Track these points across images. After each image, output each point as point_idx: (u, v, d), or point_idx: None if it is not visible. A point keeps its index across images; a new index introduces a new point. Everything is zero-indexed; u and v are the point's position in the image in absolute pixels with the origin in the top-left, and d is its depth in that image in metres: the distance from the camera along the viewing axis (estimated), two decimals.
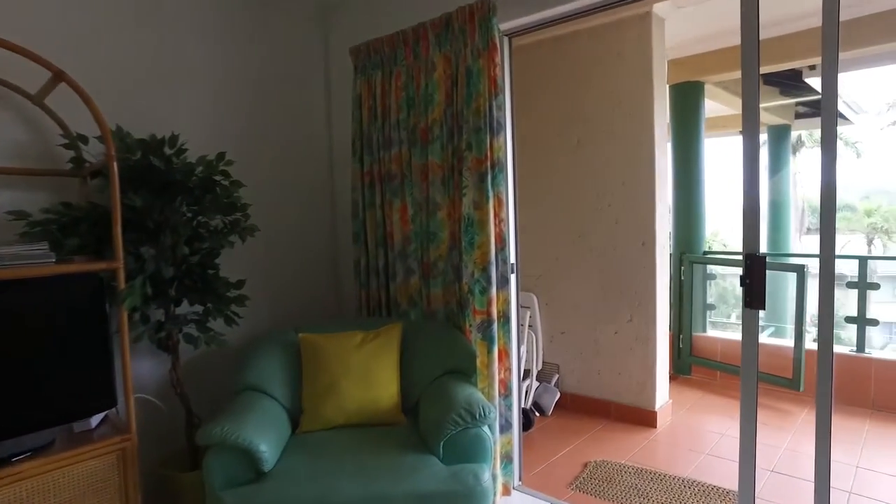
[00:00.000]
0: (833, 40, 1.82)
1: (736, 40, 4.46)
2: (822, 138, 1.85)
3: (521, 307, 4.30)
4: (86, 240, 2.27)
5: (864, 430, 3.60)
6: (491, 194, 2.47)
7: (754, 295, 1.89)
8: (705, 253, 4.68)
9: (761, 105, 6.10)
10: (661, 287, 3.61)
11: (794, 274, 3.84)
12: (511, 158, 2.65)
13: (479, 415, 2.18)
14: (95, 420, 2.16)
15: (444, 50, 2.66)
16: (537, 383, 4.08)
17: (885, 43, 3.83)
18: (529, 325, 4.10)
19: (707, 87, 4.83)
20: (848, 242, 26.87)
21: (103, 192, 2.23)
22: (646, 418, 3.64)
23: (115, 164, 2.06)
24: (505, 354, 2.56)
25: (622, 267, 3.68)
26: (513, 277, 2.66)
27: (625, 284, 3.68)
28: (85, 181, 2.36)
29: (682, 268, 4.58)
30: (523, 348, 3.97)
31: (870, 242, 26.17)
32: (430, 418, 2.29)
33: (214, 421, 2.13)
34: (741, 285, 1.93)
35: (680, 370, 4.67)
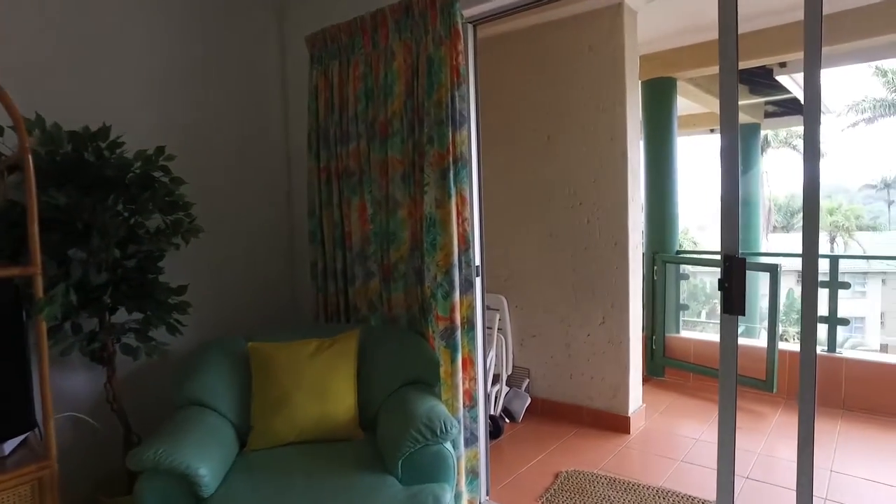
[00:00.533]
0: (815, 35, 1.71)
1: (708, 35, 4.40)
2: (805, 137, 1.73)
3: (490, 309, 4.16)
4: (2, 242, 2.04)
5: (836, 431, 3.54)
6: (453, 192, 2.30)
7: (733, 299, 1.76)
8: (678, 252, 4.60)
9: None
10: (635, 288, 3.50)
11: (767, 273, 3.78)
12: (476, 154, 2.49)
13: (441, 430, 2.01)
14: (10, 445, 1.92)
15: (404, 38, 2.49)
16: (507, 388, 3.94)
17: (865, 39, 3.78)
18: (499, 329, 3.95)
19: (679, 83, 4.75)
20: None
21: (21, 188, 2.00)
22: (619, 424, 3.52)
23: (29, 157, 1.83)
24: (470, 363, 2.40)
25: (594, 267, 3.56)
26: (478, 281, 2.50)
27: (597, 286, 3.56)
28: (2, 176, 2.12)
29: (655, 267, 4.49)
30: (492, 352, 3.83)
31: (832, 240, 26.88)
32: (389, 435, 2.12)
33: (147, 442, 1.93)
34: (719, 289, 1.80)
35: (653, 372, 4.58)
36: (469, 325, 2.37)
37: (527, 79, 3.75)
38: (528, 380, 3.96)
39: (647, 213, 4.65)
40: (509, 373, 4.00)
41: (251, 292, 3.12)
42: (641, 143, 4.69)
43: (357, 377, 2.41)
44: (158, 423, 2.26)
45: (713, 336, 4.89)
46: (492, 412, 3.81)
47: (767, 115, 7.33)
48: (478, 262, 2.49)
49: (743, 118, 6.79)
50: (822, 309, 4.01)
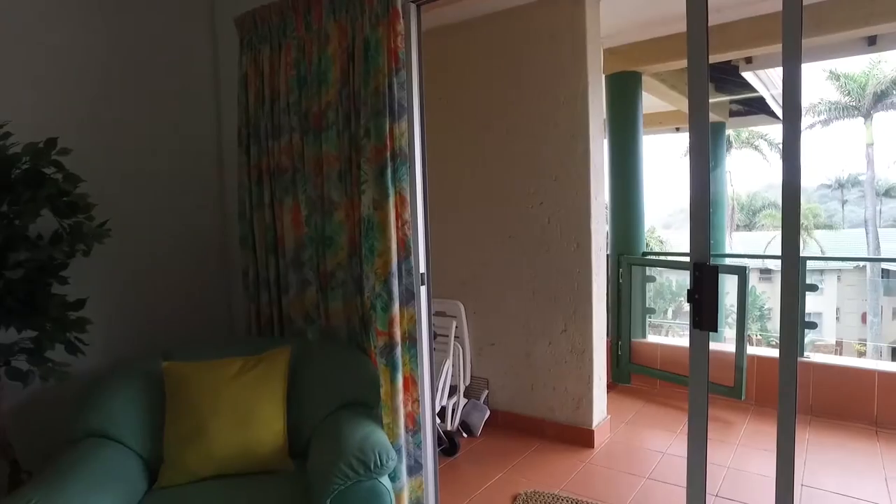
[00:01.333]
0: (795, 24, 1.51)
1: (674, 28, 4.22)
2: (784, 134, 1.53)
3: (447, 316, 3.92)
4: None
5: (804, 439, 3.40)
6: (392, 191, 2.04)
7: (705, 313, 1.55)
8: (644, 254, 4.43)
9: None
10: (598, 292, 3.30)
11: (735, 276, 3.62)
12: (420, 149, 2.23)
13: (375, 464, 1.76)
14: None
15: (338, 18, 2.21)
16: (465, 400, 3.70)
17: (842, 31, 3.64)
18: (456, 337, 3.71)
19: (644, 78, 4.58)
20: (773, 238, 28.16)
21: None
22: (582, 437, 3.31)
23: None
24: (412, 383, 2.14)
25: (555, 271, 3.34)
26: (423, 291, 2.25)
27: (558, 290, 3.34)
28: None
29: (621, 270, 4.31)
30: (448, 362, 3.59)
31: None
32: (317, 468, 1.85)
33: (21, 491, 1.62)
34: (689, 300, 1.59)
35: (619, 379, 4.40)
36: (411, 340, 2.12)
37: (484, 71, 3.51)
38: (486, 391, 3.73)
39: (612, 213, 4.47)
40: (467, 383, 3.76)
41: (176, 304, 2.80)
42: (606, 141, 4.51)
43: (287, 399, 2.14)
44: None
45: (680, 340, 4.74)
46: (448, 427, 3.58)
47: (732, 113, 7.26)
48: (422, 269, 2.24)
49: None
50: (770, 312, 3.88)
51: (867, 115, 25.01)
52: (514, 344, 3.57)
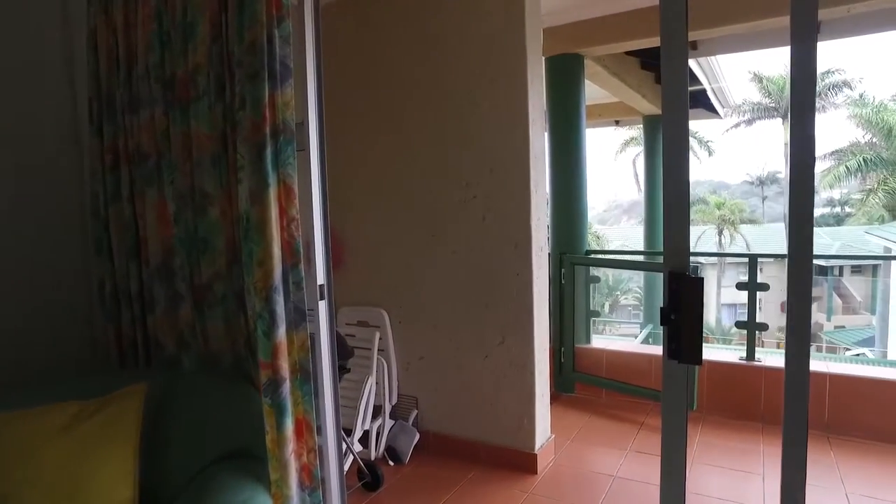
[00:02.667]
0: None
1: (619, 6, 3.91)
2: (792, 122, 1.15)
3: (370, 326, 3.45)
4: None
5: (759, 450, 3.16)
6: (272, 179, 1.55)
7: (685, 339, 1.16)
8: (588, 252, 4.10)
9: (637, 92, 5.64)
10: (540, 298, 2.91)
11: None
12: (316, 124, 1.75)
13: None
14: None
15: None
16: (392, 422, 3.25)
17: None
18: (380, 350, 3.25)
19: (586, 63, 4.24)
20: (703, 233, 29.22)
21: None
22: (524, 462, 2.93)
23: None
24: (307, 428, 1.66)
25: (491, 274, 2.93)
26: (322, 307, 1.77)
27: (495, 296, 2.93)
28: None
29: (563, 270, 3.96)
30: (371, 379, 3.12)
31: (720, 233, 28.60)
32: None
33: None
34: (662, 323, 1.20)
35: (562, 388, 4.06)
36: (303, 373, 1.63)
37: (411, 50, 3.05)
38: (416, 411, 3.28)
39: (554, 208, 4.12)
40: (393, 403, 3.31)
41: (18, 327, 2.19)
42: (546, 131, 4.15)
43: (144, 453, 1.62)
44: None
45: (626, 345, 4.46)
46: (372, 454, 3.11)
47: None
48: (321, 279, 1.76)
49: (649, 108, 6.51)
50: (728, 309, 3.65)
51: (785, 116, 26.31)
52: (445, 357, 3.14)
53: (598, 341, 4.14)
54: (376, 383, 3.20)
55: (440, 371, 3.17)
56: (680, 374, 1.20)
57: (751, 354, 3.56)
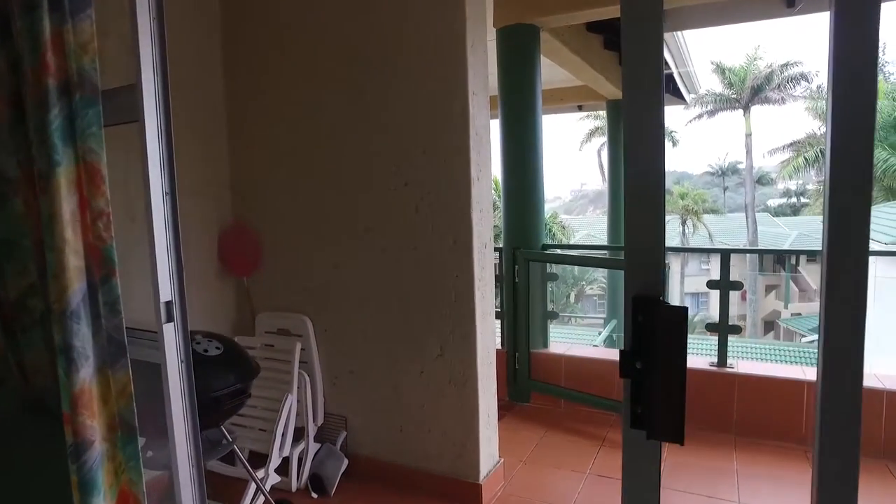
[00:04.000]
0: None
1: None
2: (833, 102, 0.73)
3: (291, 335, 2.97)
4: None
5: (732, 469, 2.81)
6: (64, 157, 1.06)
7: (658, 407, 0.73)
8: (545, 247, 3.69)
9: (601, 73, 5.25)
10: (484, 303, 2.47)
11: None
12: (155, 85, 1.26)
13: None
14: None
15: None
16: (317, 446, 2.79)
17: None
18: (303, 362, 2.78)
19: (543, 36, 3.80)
20: (667, 223, 29.46)
21: None
22: (467, 493, 2.50)
23: None
24: None
25: (427, 276, 2.48)
26: (168, 332, 1.29)
27: (431, 301, 2.49)
28: None
29: (517, 267, 3.54)
30: (291, 398, 2.66)
31: (683, 223, 28.88)
32: None
33: None
34: (623, 375, 0.77)
35: (516, 397, 3.66)
36: (126, 429, 1.16)
37: (334, 9, 2.56)
38: (344, 433, 2.83)
39: (506, 199, 3.69)
40: (319, 423, 2.84)
41: None
42: (499, 116, 3.72)
43: None
44: None
45: (586, 351, 4.08)
46: (293, 484, 2.66)
47: None
48: (167, 295, 1.28)
49: (614, 92, 6.14)
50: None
51: (746, 108, 26.62)
52: (377, 372, 2.69)
53: (557, 346, 3.74)
54: (298, 401, 2.74)
55: (372, 387, 2.72)
56: (649, 451, 0.78)
57: (723, 360, 3.21)
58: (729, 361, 3.22)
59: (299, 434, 2.75)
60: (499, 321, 3.63)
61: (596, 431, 3.23)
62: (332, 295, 2.75)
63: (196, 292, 2.84)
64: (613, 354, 3.55)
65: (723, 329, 3.20)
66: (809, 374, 3.08)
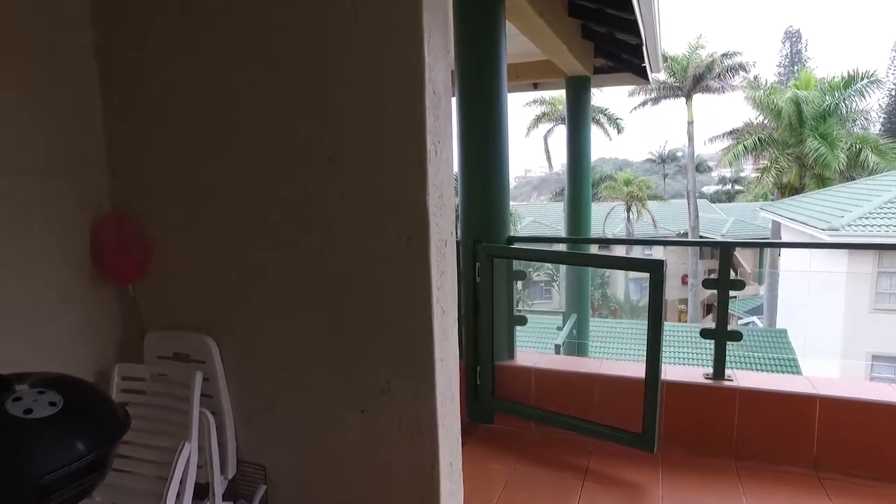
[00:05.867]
0: None
1: None
2: None
3: (190, 362, 2.29)
4: None
5: (741, 500, 2.35)
6: None
7: None
8: (511, 240, 3.11)
9: (564, 43, 4.72)
10: (446, 320, 1.86)
11: (647, 274, 2.42)
12: None
13: None
14: None
15: None
16: None
17: None
18: (207, 396, 2.10)
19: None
20: (612, 209, 29.75)
21: None
22: None
23: None
24: None
25: (367, 285, 1.84)
26: None
27: (374, 319, 1.85)
28: None
29: (478, 264, 2.96)
30: (189, 447, 1.98)
31: (628, 209, 29.24)
32: None
33: None
34: None
35: (479, 417, 3.09)
36: None
37: None
38: (264, 487, 2.16)
39: (464, 183, 3.08)
40: (230, 476, 2.18)
41: None
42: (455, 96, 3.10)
43: None
44: None
45: (561, 360, 3.56)
46: None
47: (597, 70, 6.28)
48: None
49: (574, 67, 5.62)
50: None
51: (688, 96, 27.05)
52: (305, 408, 2.03)
53: (525, 356, 3.19)
54: (200, 449, 2.06)
55: (298, 428, 2.07)
56: None
57: (720, 372, 2.74)
58: (727, 372, 2.76)
59: (203, 492, 2.08)
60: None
61: (575, 461, 2.70)
62: (243, 308, 2.07)
63: (60, 306, 2.10)
64: (592, 366, 3.03)
65: (720, 335, 2.72)
66: (820, 387, 2.64)
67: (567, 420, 2.79)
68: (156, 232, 2.16)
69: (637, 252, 29.51)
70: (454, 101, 3.10)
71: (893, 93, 49.27)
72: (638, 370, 2.70)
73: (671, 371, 2.86)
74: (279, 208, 1.88)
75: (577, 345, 6.05)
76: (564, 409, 2.84)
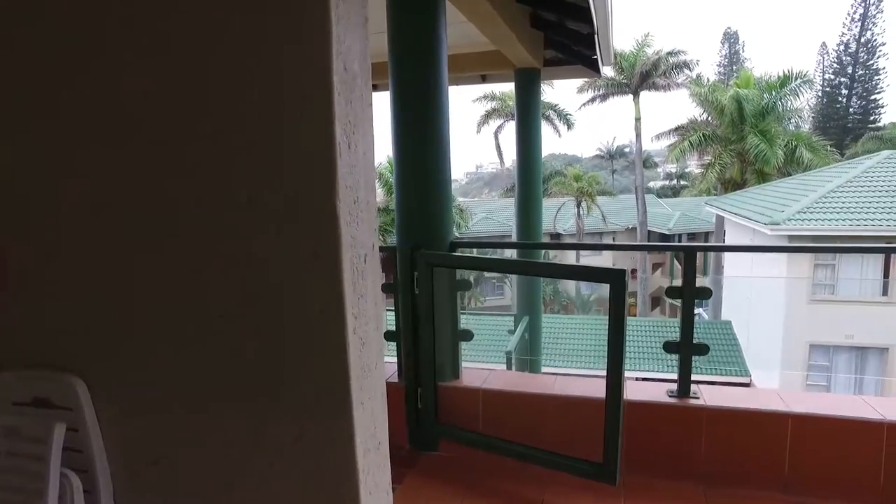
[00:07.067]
0: None
1: None
2: None
3: (53, 408, 1.86)
4: None
5: None
6: None
7: None
8: (454, 246, 2.78)
9: (512, 31, 4.44)
10: (368, 349, 1.51)
11: (606, 284, 2.13)
12: None
13: None
14: None
15: None
16: None
17: None
18: (76, 451, 1.67)
19: None
20: (563, 205, 30.01)
21: None
22: None
23: None
24: None
25: (270, 311, 1.47)
26: None
27: (280, 354, 1.49)
28: None
29: (417, 274, 2.62)
30: None
31: (578, 204, 29.55)
32: None
33: None
34: None
35: (421, 445, 2.76)
36: None
37: None
38: None
39: (401, 184, 2.74)
40: None
41: None
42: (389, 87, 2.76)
43: None
44: None
45: (510, 378, 3.26)
46: None
47: (547, 62, 6.03)
48: None
49: (524, 58, 5.34)
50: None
51: (636, 93, 27.52)
52: (201, 461, 1.64)
53: (471, 373, 2.87)
54: None
55: (194, 485, 1.67)
56: None
57: (685, 389, 2.49)
58: (692, 388, 2.52)
59: None
60: (394, 344, 2.71)
61: (531, 495, 2.40)
62: (121, 341, 1.66)
63: None
64: (544, 383, 2.75)
65: (686, 348, 2.48)
66: (791, 403, 2.42)
67: (519, 449, 2.49)
68: (9, 247, 1.72)
69: (592, 260, 29.89)
70: (389, 94, 2.76)
71: (821, 93, 51.93)
72: (595, 388, 2.43)
73: (631, 387, 2.59)
74: (175, 217, 1.48)
75: (528, 361, 5.81)
76: (516, 434, 2.54)
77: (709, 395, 2.48)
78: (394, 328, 2.80)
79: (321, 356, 1.37)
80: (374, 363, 1.48)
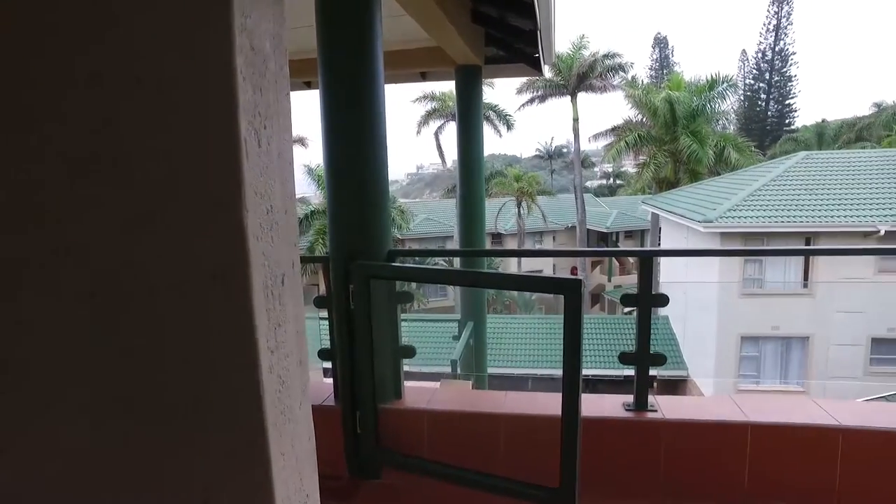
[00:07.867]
0: None
1: None
2: None
3: None
4: None
5: None
6: None
7: None
8: (393, 255, 2.55)
9: (452, 24, 4.20)
10: (287, 393, 1.25)
11: (560, 296, 1.96)
12: None
13: None
14: None
15: None
16: None
17: None
18: None
19: None
20: (504, 205, 30.24)
21: None
22: None
23: None
24: None
25: (163, 349, 1.20)
26: None
27: (177, 399, 1.22)
28: None
29: (352, 287, 2.37)
30: None
31: (519, 204, 29.86)
32: None
33: None
34: None
35: (361, 472, 2.51)
36: None
37: None
38: None
39: (333, 189, 2.49)
40: None
41: None
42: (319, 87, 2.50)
43: None
44: None
45: (458, 398, 3.05)
46: None
47: (489, 60, 5.88)
48: None
49: (465, 55, 5.15)
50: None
51: (573, 94, 28.07)
52: None
53: (416, 392, 2.65)
54: None
55: None
56: None
57: (642, 402, 2.36)
58: (650, 401, 2.39)
59: None
60: (329, 364, 2.45)
61: None
62: None
63: None
64: (494, 400, 2.56)
65: (643, 360, 2.34)
66: (750, 412, 2.33)
67: (468, 476, 2.29)
68: None
69: (528, 243, 30.22)
70: (318, 92, 2.50)
71: (743, 97, 54.99)
72: (548, 404, 2.27)
73: (585, 401, 2.44)
74: (56, 228, 1.18)
75: (474, 369, 5.63)
76: (466, 458, 2.33)
77: (667, 408, 2.36)
78: (329, 345, 2.55)
79: (227, 404, 1.12)
80: (297, 403, 1.23)
